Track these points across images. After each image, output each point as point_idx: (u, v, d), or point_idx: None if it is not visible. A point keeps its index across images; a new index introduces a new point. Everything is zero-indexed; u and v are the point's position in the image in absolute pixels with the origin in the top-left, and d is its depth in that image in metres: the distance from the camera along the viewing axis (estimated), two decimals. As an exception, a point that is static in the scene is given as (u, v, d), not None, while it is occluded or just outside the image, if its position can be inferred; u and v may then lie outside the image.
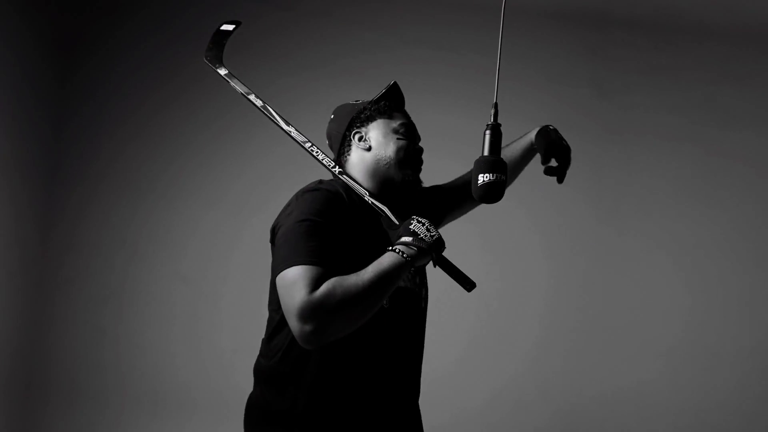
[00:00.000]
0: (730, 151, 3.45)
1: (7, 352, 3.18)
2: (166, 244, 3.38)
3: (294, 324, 1.42)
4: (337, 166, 1.72)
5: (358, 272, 1.47)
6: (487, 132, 1.59)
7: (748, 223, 3.41)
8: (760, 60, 3.47)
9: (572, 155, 1.84)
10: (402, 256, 1.51)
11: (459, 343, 3.29)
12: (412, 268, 1.55)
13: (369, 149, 1.73)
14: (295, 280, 1.44)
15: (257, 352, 1.73)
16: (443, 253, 1.58)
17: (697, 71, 3.48)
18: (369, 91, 3.31)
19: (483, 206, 1.71)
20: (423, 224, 1.56)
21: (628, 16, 3.46)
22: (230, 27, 2.00)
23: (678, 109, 3.46)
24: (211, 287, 3.37)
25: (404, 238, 1.54)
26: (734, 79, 3.47)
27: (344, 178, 1.69)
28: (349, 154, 1.76)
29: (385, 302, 1.58)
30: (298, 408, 1.57)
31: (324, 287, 1.42)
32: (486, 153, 1.59)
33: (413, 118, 1.80)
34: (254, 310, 3.35)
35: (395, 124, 1.75)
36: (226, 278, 3.37)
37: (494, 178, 1.55)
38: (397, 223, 1.62)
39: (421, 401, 1.76)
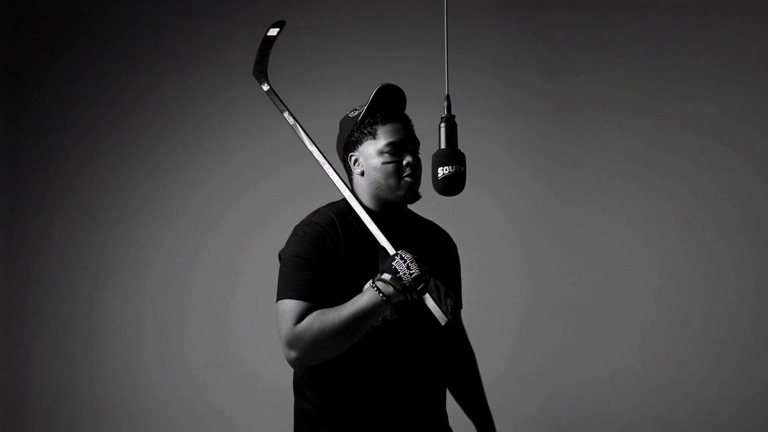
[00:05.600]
0: (680, 121, 3.48)
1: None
2: (128, 266, 3.36)
3: (283, 349, 1.62)
4: (347, 189, 1.76)
5: (339, 307, 1.59)
6: (442, 125, 1.61)
7: (704, 191, 3.43)
8: (703, 27, 3.50)
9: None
10: (379, 294, 1.56)
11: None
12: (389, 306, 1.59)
13: (363, 174, 1.76)
14: (284, 312, 1.62)
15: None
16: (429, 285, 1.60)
17: (640, 43, 3.50)
18: (315, 97, 3.30)
19: (445, 198, 1.70)
20: (405, 261, 1.58)
21: (566, -5, 3.49)
22: (275, 31, 1.98)
23: (626, 83, 3.48)
24: (177, 305, 3.36)
25: (384, 275, 1.58)
26: (679, 48, 3.50)
27: (352, 203, 1.73)
28: (352, 176, 1.80)
29: (390, 314, 1.67)
30: (317, 411, 1.70)
31: (305, 321, 1.59)
32: (443, 146, 1.60)
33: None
34: (221, 323, 3.36)
35: (380, 144, 1.73)
36: (190, 295, 3.37)
37: (453, 170, 1.58)
38: (390, 254, 1.63)
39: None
